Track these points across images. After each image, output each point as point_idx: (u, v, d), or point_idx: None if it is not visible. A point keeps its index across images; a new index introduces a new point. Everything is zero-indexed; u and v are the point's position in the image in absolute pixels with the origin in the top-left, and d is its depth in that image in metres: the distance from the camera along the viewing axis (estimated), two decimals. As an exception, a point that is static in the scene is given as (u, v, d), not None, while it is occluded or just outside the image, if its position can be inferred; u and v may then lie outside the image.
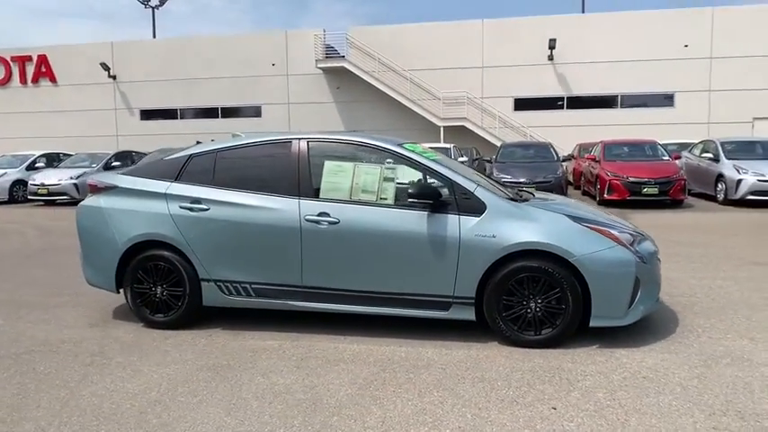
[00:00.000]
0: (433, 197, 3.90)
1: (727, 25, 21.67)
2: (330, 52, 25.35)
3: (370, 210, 4.05)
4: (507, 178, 12.20)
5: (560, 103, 23.52)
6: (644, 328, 4.16)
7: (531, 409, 3.01)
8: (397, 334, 4.17)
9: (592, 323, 3.82)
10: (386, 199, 4.08)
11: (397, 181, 4.17)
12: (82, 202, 4.66)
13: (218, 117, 26.82)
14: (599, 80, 22.78)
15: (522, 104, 23.78)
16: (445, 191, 4.01)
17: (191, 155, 4.48)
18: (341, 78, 25.13)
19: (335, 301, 4.12)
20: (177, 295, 4.34)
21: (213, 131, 25.74)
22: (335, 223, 4.02)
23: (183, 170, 4.43)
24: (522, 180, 12.21)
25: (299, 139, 4.33)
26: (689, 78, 22.14)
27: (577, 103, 23.38)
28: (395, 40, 24.28)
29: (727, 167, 12.30)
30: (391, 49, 24.28)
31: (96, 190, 4.60)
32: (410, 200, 3.94)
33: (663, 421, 2.84)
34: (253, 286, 4.23)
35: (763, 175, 11.64)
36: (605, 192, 12.47)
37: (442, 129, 23.38)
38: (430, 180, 4.11)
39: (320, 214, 4.06)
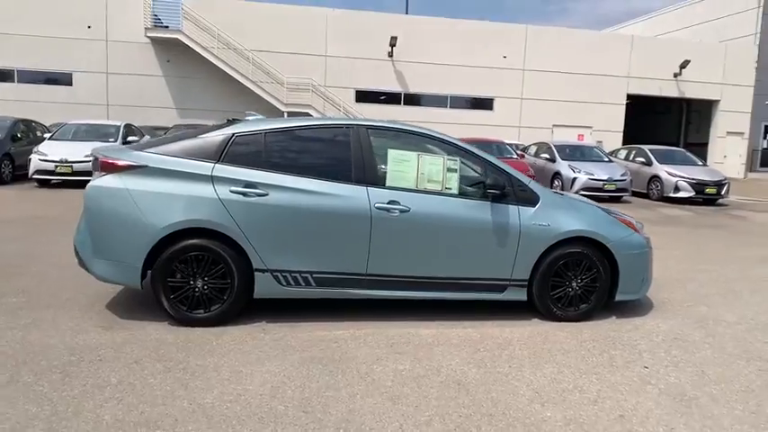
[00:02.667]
0: (505, 188, 4.22)
1: (538, 42, 25.21)
2: (158, 22, 23.18)
3: (438, 199, 4.21)
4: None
5: (398, 98, 24.95)
6: (623, 304, 5.01)
7: (630, 370, 3.56)
8: (445, 317, 4.40)
9: (617, 298, 4.53)
10: (450, 189, 4.27)
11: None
12: (95, 183, 3.93)
13: (14, 82, 22.67)
14: (432, 80, 24.71)
15: (363, 96, 24.64)
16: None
17: (234, 134, 4.09)
18: (172, 51, 23.15)
19: (398, 288, 4.20)
20: (222, 288, 3.96)
21: (8, 99, 21.79)
22: (406, 211, 4.09)
23: (226, 150, 4.04)
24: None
25: (359, 125, 4.27)
26: (506, 86, 25.26)
27: (413, 99, 25.06)
28: (236, 18, 23.18)
29: (564, 167, 14.58)
30: (233, 26, 23.13)
31: (115, 168, 3.92)
32: (489, 191, 4.20)
33: (721, 367, 3.62)
34: (314, 276, 4.07)
35: (592, 174, 14.06)
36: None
37: (285, 114, 23.09)
38: (491, 174, 4.38)
39: (390, 202, 4.09)
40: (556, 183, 14.76)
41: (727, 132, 27.32)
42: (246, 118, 4.55)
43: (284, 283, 4.05)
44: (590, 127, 26.17)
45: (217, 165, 3.99)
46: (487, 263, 4.28)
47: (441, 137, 4.42)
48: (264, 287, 4.03)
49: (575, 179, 14.11)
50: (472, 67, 24.76)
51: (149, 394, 2.99)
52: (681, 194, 14.12)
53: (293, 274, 4.04)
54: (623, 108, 26.35)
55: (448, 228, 4.18)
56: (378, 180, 4.16)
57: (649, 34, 30.79)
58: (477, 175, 4.38)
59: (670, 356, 3.82)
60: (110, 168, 3.93)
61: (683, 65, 25.65)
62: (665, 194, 14.43)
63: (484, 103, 25.52)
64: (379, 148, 4.25)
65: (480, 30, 24.86)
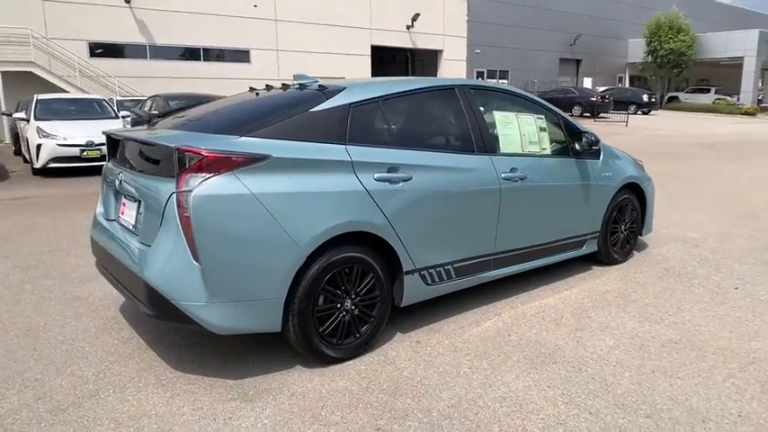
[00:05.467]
0: (596, 144, 4.21)
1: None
2: None
3: (542, 161, 4.01)
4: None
5: (143, 51, 21.66)
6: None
7: (704, 303, 4.07)
8: (504, 294, 4.11)
9: (643, 234, 5.03)
10: (545, 149, 4.07)
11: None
12: (203, 190, 2.57)
13: None
14: (183, 31, 22.06)
15: (99, 50, 20.66)
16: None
17: (350, 104, 3.11)
18: None
19: (515, 262, 3.93)
20: (371, 304, 3.12)
21: None
22: (524, 179, 3.79)
23: (348, 125, 3.07)
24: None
25: (462, 85, 3.69)
26: (261, 37, 24.12)
27: (162, 53, 22.05)
28: None
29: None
30: None
31: (227, 164, 2.62)
32: (586, 148, 4.12)
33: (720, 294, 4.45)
34: (454, 266, 3.50)
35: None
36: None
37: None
38: (573, 130, 4.28)
39: (512, 170, 3.72)
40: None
41: (450, 78, 31.46)
42: (299, 81, 3.48)
43: (429, 282, 3.38)
44: (343, 77, 26.98)
45: (347, 146, 3.01)
46: (578, 219, 4.30)
47: (524, 93, 4.14)
48: (412, 291, 3.31)
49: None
50: (225, 17, 22.87)
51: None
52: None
53: (438, 269, 3.40)
54: (369, 59, 27.87)
55: (553, 190, 4.04)
56: (494, 147, 3.72)
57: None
58: (556, 131, 4.24)
59: (701, 287, 4.47)
60: (219, 165, 2.61)
61: (415, 18, 28.21)
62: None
63: (240, 56, 24.00)
64: (483, 110, 3.77)
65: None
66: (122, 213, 3.17)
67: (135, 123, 12.50)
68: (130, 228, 3.03)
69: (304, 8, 24.98)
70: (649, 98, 31.47)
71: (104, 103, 12.61)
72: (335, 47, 26.17)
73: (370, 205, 3.00)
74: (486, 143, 3.65)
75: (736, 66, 35.99)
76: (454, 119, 3.60)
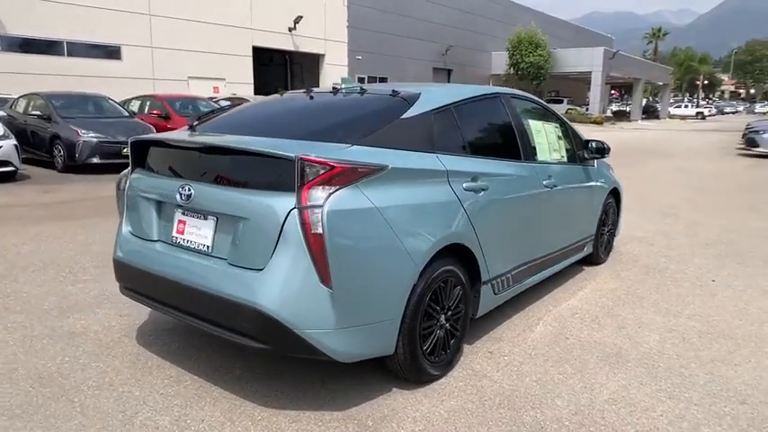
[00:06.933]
0: (608, 151, 4.48)
1: (164, -15, 22.85)
2: None
3: (564, 168, 4.18)
4: None
5: (-7, 43, 18.87)
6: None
7: (699, 296, 4.58)
8: (529, 297, 4.23)
9: (616, 235, 5.46)
10: (563, 157, 4.25)
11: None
12: (332, 207, 2.29)
13: None
14: (40, 21, 19.59)
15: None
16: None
17: (433, 110, 3.00)
18: None
19: (546, 267, 4.05)
20: (458, 318, 3.04)
21: None
22: (556, 186, 3.93)
23: (434, 133, 2.97)
24: None
25: (503, 93, 3.73)
26: (134, 33, 22.20)
27: (14, 44, 19.39)
28: None
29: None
30: None
31: (352, 176, 2.38)
32: (594, 154, 4.36)
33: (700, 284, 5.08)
34: (512, 273, 3.53)
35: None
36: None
37: None
38: (577, 138, 4.49)
39: (549, 177, 3.84)
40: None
41: (333, 84, 31.44)
42: (341, 84, 3.31)
43: (496, 291, 3.38)
44: (224, 79, 25.87)
45: (437, 155, 2.90)
46: (585, 223, 4.55)
47: (543, 102, 4.28)
48: (485, 301, 3.28)
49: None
50: (92, 8, 20.73)
51: None
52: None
53: (502, 278, 3.41)
54: (251, 60, 26.95)
55: (573, 196, 4.25)
56: (535, 154, 3.82)
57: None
58: (568, 139, 4.43)
59: (697, 273, 5.03)
60: (346, 178, 2.37)
61: (297, 20, 27.82)
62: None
63: (111, 52, 21.90)
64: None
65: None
66: (179, 232, 2.74)
67: (8, 124, 10.94)
68: (202, 249, 2.63)
69: (181, 3, 23.49)
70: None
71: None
72: (216, 46, 24.94)
73: (463, 216, 2.91)
74: (529, 151, 3.73)
75: (582, 79, 40.36)
76: (504, 126, 3.62)
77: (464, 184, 2.97)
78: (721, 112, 66.89)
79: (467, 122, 3.29)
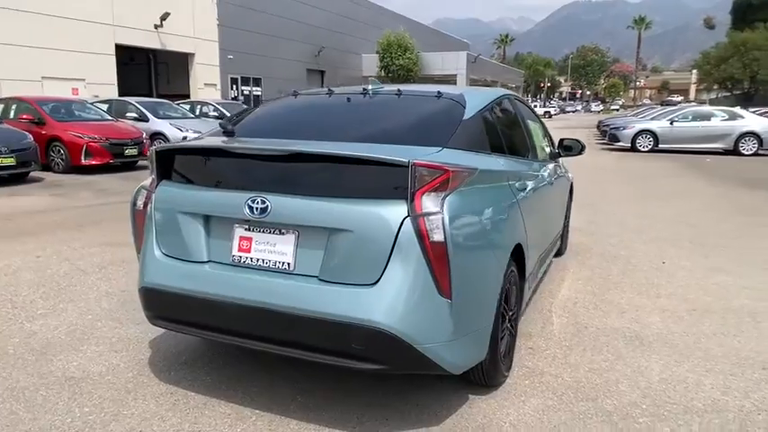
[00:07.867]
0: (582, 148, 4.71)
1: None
2: None
3: (551, 164, 4.36)
4: None
5: None
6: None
7: (667, 278, 5.10)
8: None
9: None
10: (546, 153, 4.44)
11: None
12: (450, 213, 2.17)
13: None
14: None
15: None
16: None
17: (480, 111, 2.98)
18: None
19: (544, 262, 4.18)
20: (514, 319, 3.07)
21: None
22: (551, 182, 4.12)
23: (487, 134, 2.97)
24: None
25: (509, 95, 3.81)
26: (-28, 26, 19.31)
27: None
28: None
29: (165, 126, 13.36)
30: None
31: (460, 181, 2.28)
32: (566, 152, 4.55)
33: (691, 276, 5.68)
34: (534, 268, 3.62)
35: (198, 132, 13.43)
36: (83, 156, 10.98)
37: None
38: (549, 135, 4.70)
39: (547, 173, 4.01)
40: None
41: (205, 84, 29.81)
42: (370, 87, 3.20)
43: (529, 287, 3.44)
44: (83, 80, 23.44)
45: (492, 157, 2.90)
46: (561, 216, 4.79)
47: (527, 102, 4.43)
48: (525, 298, 3.32)
49: (184, 137, 13.17)
50: None
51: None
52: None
53: (531, 274, 3.48)
54: (114, 59, 24.71)
55: (557, 190, 4.45)
56: (536, 152, 3.95)
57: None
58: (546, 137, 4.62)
59: (681, 263, 5.56)
60: (455, 182, 2.27)
61: (164, 17, 26.00)
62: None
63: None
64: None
65: None
66: (244, 250, 2.43)
67: None
68: (281, 267, 2.36)
69: (30, -5, 20.85)
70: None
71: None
72: (74, 44, 22.50)
73: (520, 215, 2.94)
74: (532, 149, 3.86)
75: (447, 81, 42.49)
76: (519, 126, 3.71)
77: (517, 184, 3.00)
78: (563, 111, 74.24)
79: (500, 123, 3.31)
